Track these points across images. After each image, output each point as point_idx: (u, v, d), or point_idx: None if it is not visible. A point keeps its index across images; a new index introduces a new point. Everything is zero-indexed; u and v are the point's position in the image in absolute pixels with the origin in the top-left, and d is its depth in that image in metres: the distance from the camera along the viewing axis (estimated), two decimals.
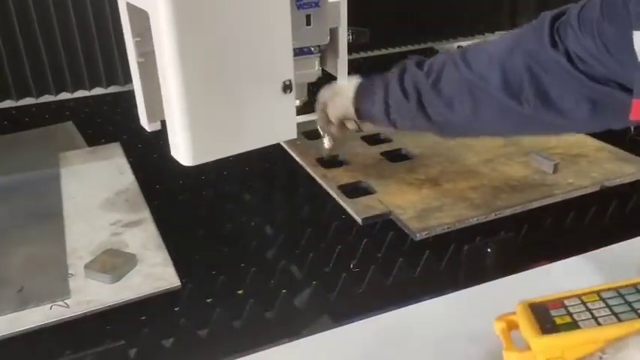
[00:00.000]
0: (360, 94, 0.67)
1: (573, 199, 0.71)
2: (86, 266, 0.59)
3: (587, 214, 0.70)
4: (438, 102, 0.59)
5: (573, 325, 0.42)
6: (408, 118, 0.62)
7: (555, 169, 0.75)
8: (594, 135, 0.85)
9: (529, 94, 0.52)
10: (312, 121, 0.94)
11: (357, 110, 0.67)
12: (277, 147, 0.85)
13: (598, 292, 0.45)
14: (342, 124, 0.72)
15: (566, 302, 0.45)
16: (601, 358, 0.39)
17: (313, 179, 0.78)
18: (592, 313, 0.43)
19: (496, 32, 1.03)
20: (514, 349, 0.45)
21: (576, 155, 0.80)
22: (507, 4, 0.99)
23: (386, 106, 0.64)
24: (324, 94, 0.72)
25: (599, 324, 0.41)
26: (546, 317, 0.44)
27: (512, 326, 0.46)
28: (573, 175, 0.75)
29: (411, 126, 0.64)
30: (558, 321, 0.43)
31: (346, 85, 0.70)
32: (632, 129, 0.92)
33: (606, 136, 0.85)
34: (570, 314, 0.43)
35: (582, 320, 0.42)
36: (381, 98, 0.64)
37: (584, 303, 0.44)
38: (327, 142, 0.78)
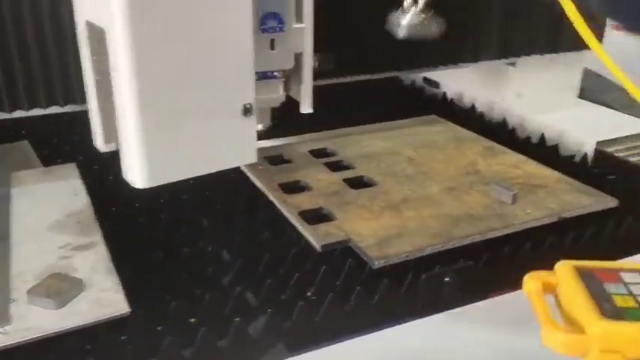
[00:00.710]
0: None
1: (531, 229, 0.72)
2: (29, 291, 0.56)
3: (544, 244, 0.70)
4: None
5: None
6: None
7: (514, 200, 0.75)
8: (554, 167, 0.87)
9: None
10: (275, 146, 0.94)
11: None
12: (238, 171, 0.84)
13: None
14: None
15: (625, 277, 0.35)
16: None
17: (274, 205, 0.77)
18: None
19: (459, 64, 1.04)
20: (558, 327, 0.34)
21: (535, 186, 0.81)
22: (471, 38, 1.01)
23: None
24: None
25: None
26: (602, 293, 0.34)
27: (548, 290, 0.37)
28: (532, 205, 0.75)
29: None
30: (620, 302, 0.33)
31: None
32: (590, 162, 0.94)
33: (565, 168, 0.87)
34: (634, 296, 0.34)
35: None
36: None
37: None
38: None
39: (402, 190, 0.80)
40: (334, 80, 0.94)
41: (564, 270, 0.36)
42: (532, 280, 0.37)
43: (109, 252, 0.65)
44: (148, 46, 0.55)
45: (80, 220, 0.71)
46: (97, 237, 0.68)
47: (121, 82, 0.56)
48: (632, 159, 0.92)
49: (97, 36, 0.59)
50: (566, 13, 0.73)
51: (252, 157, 0.66)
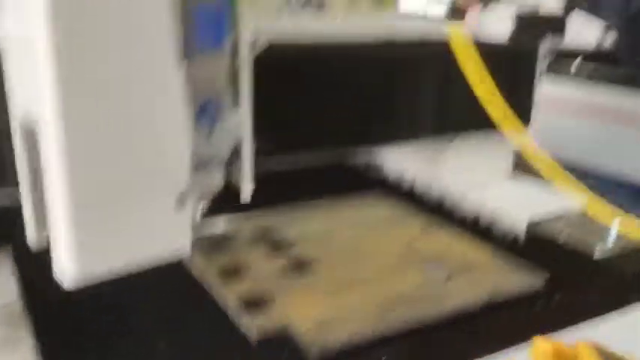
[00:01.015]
0: None
1: (465, 308, 0.73)
2: None
3: (478, 324, 0.71)
4: None
5: None
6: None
7: (448, 279, 0.77)
8: (487, 245, 0.90)
9: None
10: (215, 228, 0.94)
11: None
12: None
13: None
14: None
15: None
16: None
17: (211, 291, 0.76)
18: None
19: (398, 141, 1.08)
20: None
21: (469, 265, 0.83)
22: (405, 116, 1.06)
23: None
24: None
25: None
26: None
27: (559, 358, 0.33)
28: (465, 284, 0.77)
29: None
30: None
31: None
32: (522, 240, 0.98)
33: (498, 246, 0.90)
34: None
35: None
36: None
37: None
38: None
39: (341, 271, 0.81)
40: (274, 163, 0.96)
41: (589, 352, 0.34)
42: (542, 344, 0.34)
43: (38, 347, 0.63)
44: (80, 138, 0.55)
45: (7, 312, 0.69)
46: (25, 331, 0.65)
47: (51, 176, 0.56)
48: (562, 237, 0.96)
49: (29, 127, 0.60)
50: (489, 114, 0.78)
51: (186, 251, 0.65)
